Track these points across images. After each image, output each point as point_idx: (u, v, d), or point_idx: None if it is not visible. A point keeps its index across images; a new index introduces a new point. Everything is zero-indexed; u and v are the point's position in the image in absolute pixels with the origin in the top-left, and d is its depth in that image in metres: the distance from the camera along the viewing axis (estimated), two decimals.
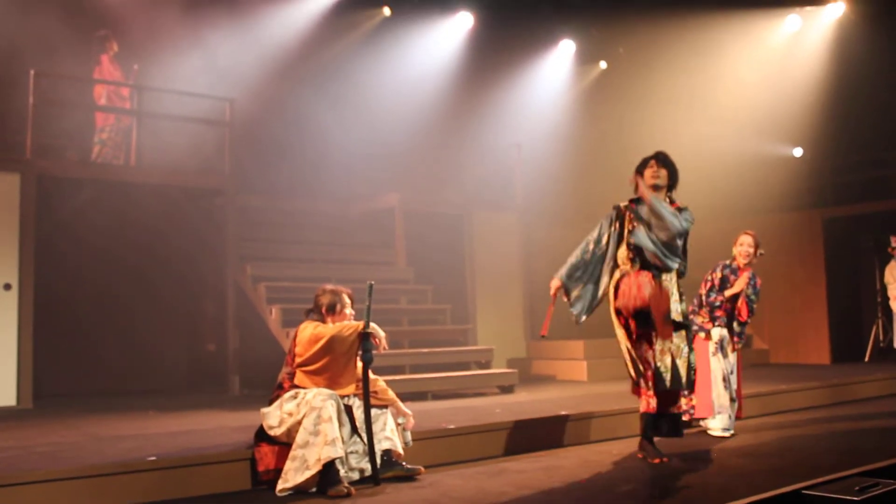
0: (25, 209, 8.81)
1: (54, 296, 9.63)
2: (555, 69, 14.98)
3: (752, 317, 6.99)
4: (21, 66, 9.56)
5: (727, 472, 5.33)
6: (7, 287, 8.63)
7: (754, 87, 13.69)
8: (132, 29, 10.89)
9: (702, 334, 6.89)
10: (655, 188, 5.88)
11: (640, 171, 5.94)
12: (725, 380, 6.83)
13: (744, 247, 6.91)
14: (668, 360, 5.69)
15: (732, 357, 6.94)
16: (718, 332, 6.89)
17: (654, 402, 5.71)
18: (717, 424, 6.82)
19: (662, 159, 5.92)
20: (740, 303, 6.86)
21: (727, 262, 6.98)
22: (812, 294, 13.16)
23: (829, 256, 13.40)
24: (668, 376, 5.67)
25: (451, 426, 6.13)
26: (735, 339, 6.95)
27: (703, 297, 6.97)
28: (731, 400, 6.87)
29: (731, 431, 6.83)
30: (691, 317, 6.92)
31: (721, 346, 6.86)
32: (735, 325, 6.93)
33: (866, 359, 12.92)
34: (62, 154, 10.13)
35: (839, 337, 13.26)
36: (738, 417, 6.99)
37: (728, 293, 6.85)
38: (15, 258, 8.71)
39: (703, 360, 6.78)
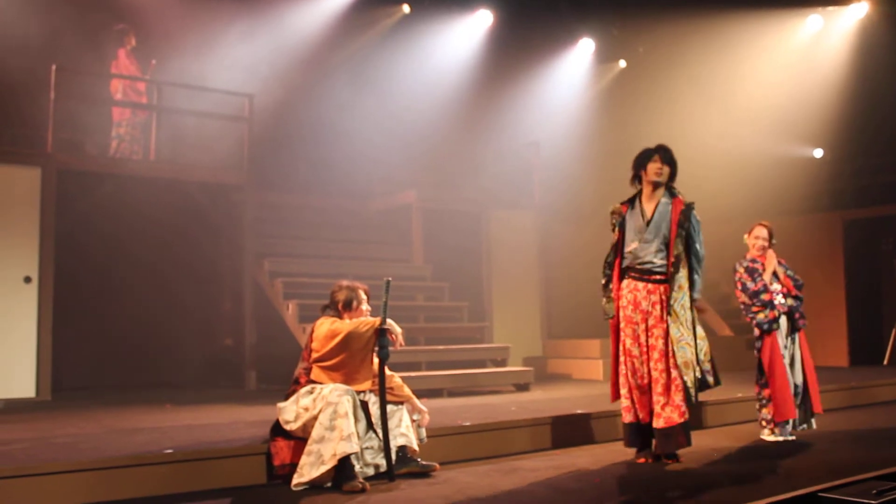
0: (46, 203, 8.88)
1: (74, 289, 9.69)
2: (574, 68, 14.94)
3: (801, 286, 6.75)
4: (42, 61, 9.63)
5: (742, 474, 5.31)
6: (27, 280, 8.70)
7: (775, 88, 13.61)
8: (152, 24, 10.95)
9: (773, 326, 6.58)
10: (656, 185, 5.84)
11: (642, 164, 5.86)
12: (791, 373, 6.62)
13: (759, 239, 6.78)
14: (692, 375, 5.64)
15: (793, 346, 6.69)
16: (782, 321, 6.64)
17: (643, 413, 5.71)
18: (798, 423, 6.62)
19: (666, 154, 5.81)
20: (783, 280, 6.70)
21: (742, 259, 6.83)
22: (831, 296, 13.06)
23: (848, 259, 13.31)
24: (693, 391, 5.63)
25: (467, 423, 6.12)
26: (797, 315, 6.67)
27: (744, 295, 6.72)
28: (803, 393, 6.66)
29: (789, 436, 6.60)
30: (754, 321, 6.78)
31: (785, 334, 6.65)
32: (790, 300, 6.67)
33: (885, 362, 12.82)
34: (82, 148, 10.20)
35: (858, 340, 13.17)
36: (813, 412, 6.73)
37: (767, 275, 6.65)
38: (35, 251, 8.78)
39: (780, 359, 6.56)
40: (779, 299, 6.66)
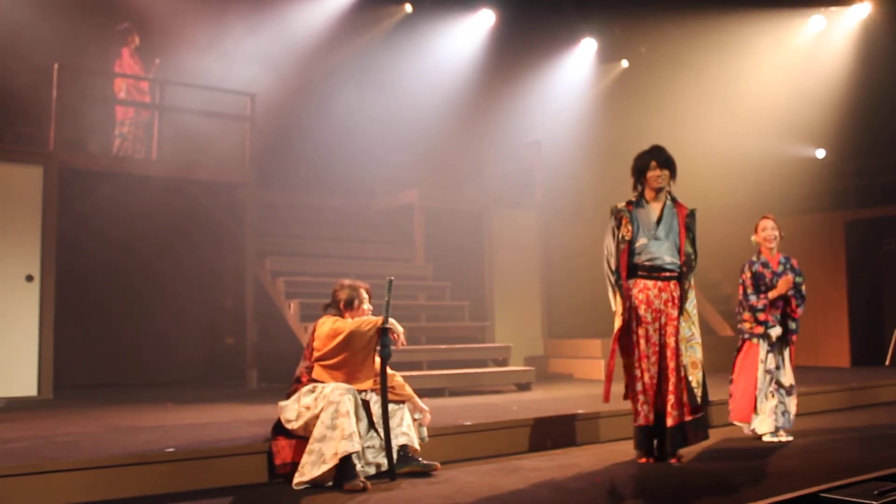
0: (48, 201, 8.89)
1: (75, 288, 9.71)
2: (576, 67, 14.94)
3: (802, 303, 6.70)
4: (45, 59, 9.64)
5: (743, 474, 5.31)
6: (29, 278, 8.71)
7: (777, 88, 13.60)
8: (155, 23, 10.95)
9: (754, 340, 6.66)
10: (659, 191, 5.85)
11: (642, 172, 5.84)
12: (776, 381, 6.63)
13: (767, 231, 6.74)
14: (700, 375, 5.69)
15: (783, 353, 6.71)
16: (772, 333, 6.64)
17: (651, 416, 5.71)
18: (765, 428, 6.62)
19: (662, 160, 5.79)
20: (791, 297, 6.64)
21: (753, 257, 6.80)
22: (833, 297, 13.06)
23: (850, 259, 13.31)
24: (699, 392, 5.66)
25: (468, 423, 6.12)
26: (791, 335, 6.70)
27: (743, 301, 6.74)
28: (788, 394, 6.65)
29: (786, 437, 6.61)
30: (739, 325, 6.84)
31: (773, 347, 6.64)
32: (790, 322, 6.67)
33: (887, 362, 12.81)
34: (84, 147, 10.21)
35: (859, 340, 13.17)
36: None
37: (772, 295, 6.62)
38: (37, 250, 8.79)
39: (752, 363, 6.64)
40: (774, 315, 6.66)
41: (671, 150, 5.88)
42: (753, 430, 6.67)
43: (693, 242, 5.83)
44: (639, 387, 5.76)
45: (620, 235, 5.80)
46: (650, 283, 5.75)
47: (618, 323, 5.80)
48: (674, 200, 5.88)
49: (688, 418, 5.63)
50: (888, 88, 13.05)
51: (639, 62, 15.22)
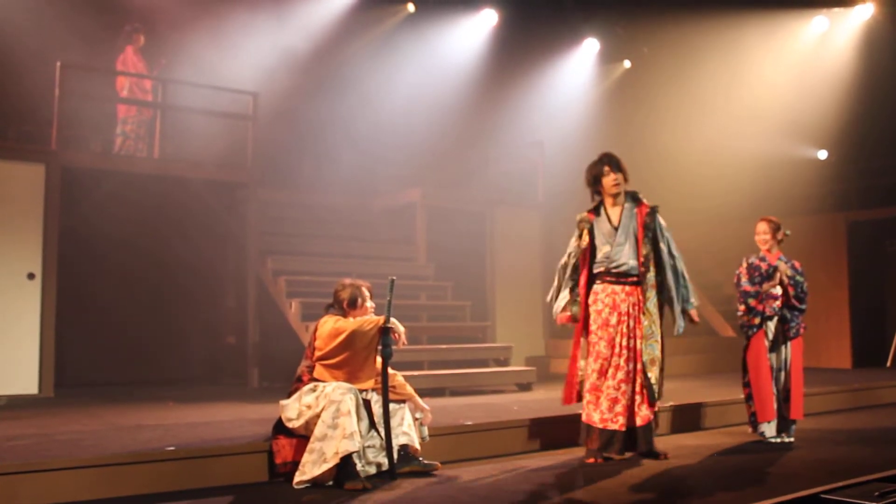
0: (50, 200, 8.89)
1: (77, 286, 9.71)
2: (579, 68, 14.94)
3: (803, 297, 6.63)
4: (47, 57, 9.64)
5: (744, 475, 5.31)
6: (31, 276, 8.71)
7: (780, 89, 13.59)
8: (159, 22, 10.96)
9: (751, 332, 6.63)
10: (616, 196, 5.87)
11: (596, 180, 5.93)
12: (775, 378, 6.62)
13: (760, 235, 6.74)
14: (657, 371, 5.76)
15: (786, 351, 6.66)
16: (770, 326, 6.62)
17: (622, 419, 5.70)
18: (768, 429, 6.61)
19: (615, 164, 5.87)
20: (787, 287, 6.60)
21: (751, 255, 6.81)
22: (834, 298, 13.05)
23: (852, 260, 13.29)
24: (656, 388, 5.73)
25: (469, 422, 6.13)
26: (786, 326, 6.63)
27: (738, 292, 6.73)
28: (783, 400, 6.61)
29: (787, 438, 6.59)
30: (739, 322, 6.82)
31: (774, 341, 6.62)
32: (786, 312, 6.63)
33: (888, 364, 12.80)
34: (86, 146, 10.20)
35: (861, 341, 13.15)
36: (791, 419, 6.61)
37: (766, 286, 6.59)
38: (39, 248, 8.79)
39: (763, 359, 6.59)
40: (771, 306, 6.63)
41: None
42: (763, 434, 6.62)
43: (656, 240, 5.82)
44: (589, 385, 5.79)
45: (576, 245, 5.90)
46: (617, 287, 5.82)
47: (565, 319, 5.97)
48: (635, 201, 5.92)
49: (652, 417, 5.71)
50: (891, 89, 13.04)
51: (641, 62, 15.21)
